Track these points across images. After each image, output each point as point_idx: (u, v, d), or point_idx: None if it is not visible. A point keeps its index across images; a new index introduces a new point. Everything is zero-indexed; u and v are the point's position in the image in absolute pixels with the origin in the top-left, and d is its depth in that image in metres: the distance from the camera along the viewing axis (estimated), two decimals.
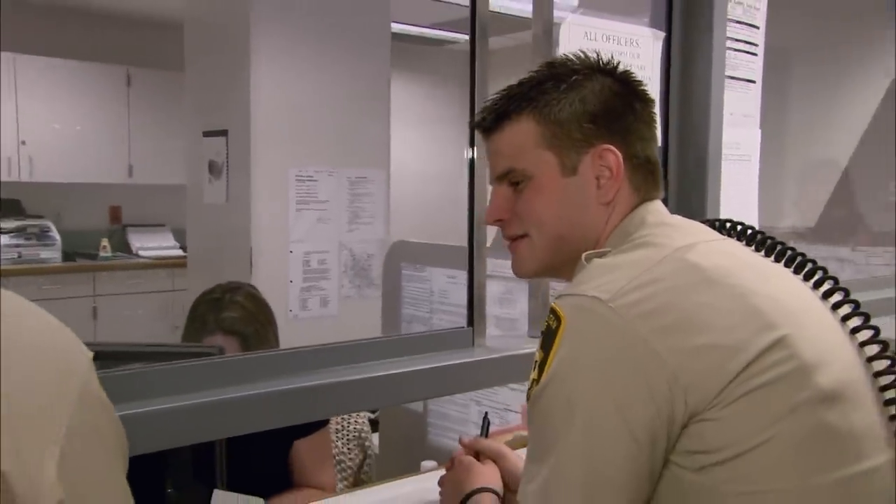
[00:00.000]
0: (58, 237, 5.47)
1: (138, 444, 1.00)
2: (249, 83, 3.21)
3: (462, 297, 2.39)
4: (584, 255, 1.00)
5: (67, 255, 5.52)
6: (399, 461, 2.55)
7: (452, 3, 5.17)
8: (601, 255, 1.01)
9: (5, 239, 5.26)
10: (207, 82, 3.46)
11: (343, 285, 3.50)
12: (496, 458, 1.32)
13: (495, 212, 1.12)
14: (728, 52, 1.81)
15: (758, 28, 1.91)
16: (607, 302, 0.89)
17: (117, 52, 5.59)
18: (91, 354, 0.62)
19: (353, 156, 3.45)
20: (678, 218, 1.09)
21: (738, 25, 1.84)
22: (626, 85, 1.09)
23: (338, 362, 1.36)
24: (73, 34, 5.52)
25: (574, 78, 1.08)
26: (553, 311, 0.93)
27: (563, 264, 1.10)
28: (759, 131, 1.93)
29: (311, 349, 1.37)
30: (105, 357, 1.32)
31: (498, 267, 1.78)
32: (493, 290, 2.07)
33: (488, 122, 1.12)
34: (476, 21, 1.41)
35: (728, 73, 1.81)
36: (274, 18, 3.22)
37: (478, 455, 1.34)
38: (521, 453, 1.30)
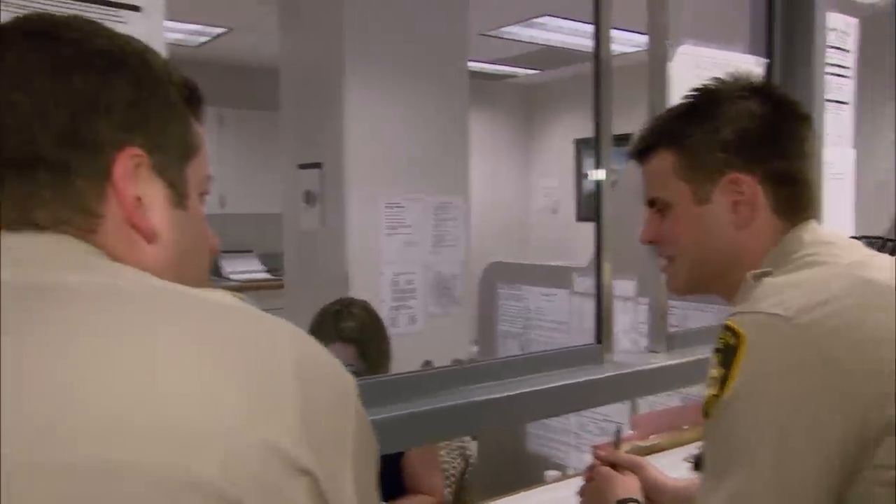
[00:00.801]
0: None
1: None
2: (342, 120, 3.23)
3: (558, 313, 2.36)
4: (749, 275, 0.96)
5: None
6: (498, 469, 2.50)
7: (516, 41, 5.17)
8: (766, 275, 0.96)
9: None
10: (302, 120, 3.49)
11: (429, 303, 3.49)
12: (635, 469, 1.27)
13: (645, 235, 1.11)
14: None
15: (848, 52, 1.85)
16: (791, 319, 0.84)
17: (210, 96, 5.68)
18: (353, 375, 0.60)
19: (437, 184, 3.45)
20: (834, 234, 1.03)
21: (831, 50, 1.78)
22: (774, 104, 1.05)
23: (473, 381, 1.32)
24: None
25: (712, 107, 1.04)
26: (730, 329, 0.89)
27: (711, 284, 1.08)
28: (854, 150, 1.86)
29: (448, 370, 1.34)
30: None
31: (591, 287, 1.75)
32: (587, 307, 2.03)
33: (636, 151, 1.10)
34: (600, 62, 1.39)
35: (824, 96, 1.75)
36: (365, 60, 3.24)
37: (614, 466, 1.29)
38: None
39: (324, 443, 0.51)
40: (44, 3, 0.78)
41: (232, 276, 5.92)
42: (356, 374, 1.49)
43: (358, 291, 3.26)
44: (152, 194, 0.61)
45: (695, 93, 1.08)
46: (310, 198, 3.45)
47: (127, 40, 0.62)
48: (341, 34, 3.19)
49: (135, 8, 0.81)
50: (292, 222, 3.56)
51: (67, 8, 0.78)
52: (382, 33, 3.25)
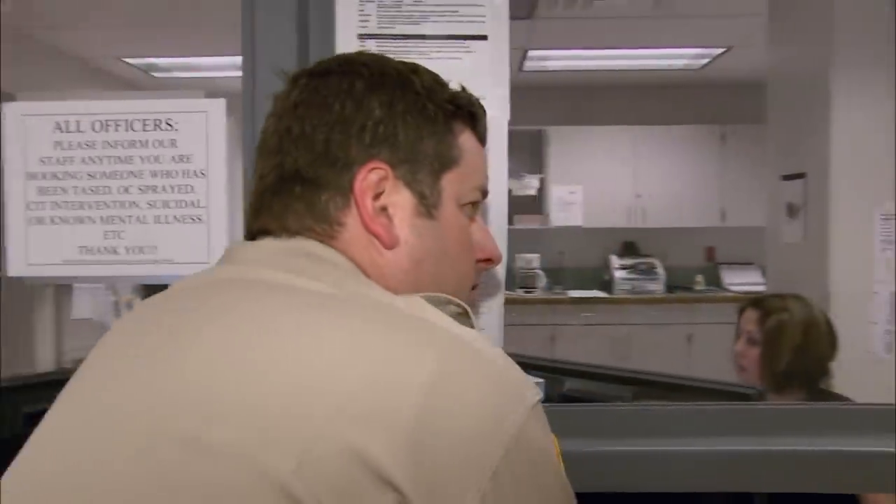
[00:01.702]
0: (662, 273, 5.64)
1: (650, 483, 0.87)
2: (829, 129, 2.84)
3: None
4: None
5: (669, 288, 5.65)
6: None
7: None
8: None
9: (622, 273, 5.66)
10: (788, 130, 3.18)
11: None
12: None
13: None
14: None
15: None
16: None
17: (712, 113, 5.59)
18: (539, 398, 0.51)
19: None
20: None
21: None
22: None
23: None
24: (678, 103, 5.69)
25: None
26: None
27: None
28: None
29: (865, 407, 1.04)
30: (643, 385, 1.23)
31: None
32: None
33: None
34: None
35: None
36: (855, 64, 2.79)
37: None
38: None
39: (438, 462, 0.45)
40: (399, 47, 0.87)
41: (731, 287, 5.70)
42: (756, 398, 1.29)
43: (842, 309, 2.81)
44: (398, 204, 0.62)
45: None
46: (792, 210, 3.11)
47: (394, 64, 0.64)
48: (830, 41, 2.81)
49: (482, 38, 0.86)
50: (775, 234, 3.26)
51: (416, 47, 0.86)
52: (877, 36, 2.74)
